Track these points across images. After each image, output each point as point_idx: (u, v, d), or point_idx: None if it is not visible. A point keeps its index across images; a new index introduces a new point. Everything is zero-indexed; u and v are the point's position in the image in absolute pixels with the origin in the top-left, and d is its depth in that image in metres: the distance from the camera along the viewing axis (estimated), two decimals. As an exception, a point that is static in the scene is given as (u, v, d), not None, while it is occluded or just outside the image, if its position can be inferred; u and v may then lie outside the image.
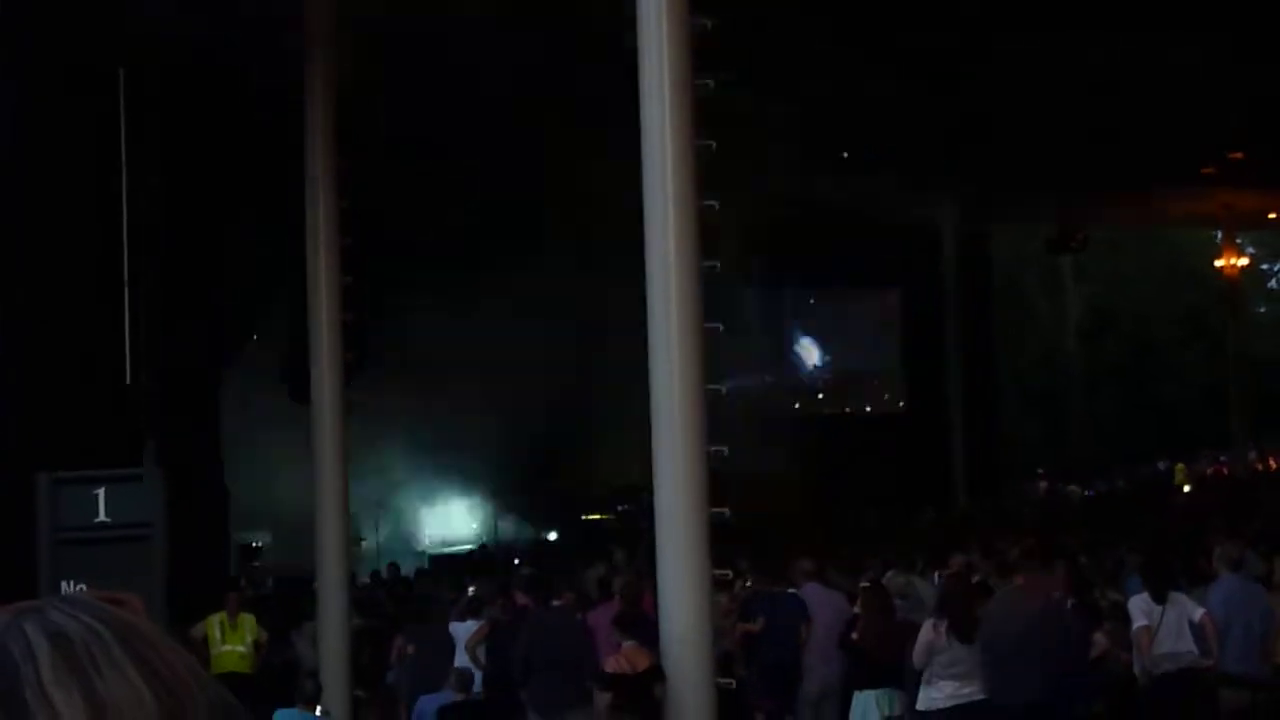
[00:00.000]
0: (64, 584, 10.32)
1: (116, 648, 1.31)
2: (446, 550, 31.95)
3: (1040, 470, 42.70)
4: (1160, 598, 12.85)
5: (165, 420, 21.78)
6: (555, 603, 15.06)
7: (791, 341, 38.47)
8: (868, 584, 15.13)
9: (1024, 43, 23.65)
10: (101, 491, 10.53)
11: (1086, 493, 39.75)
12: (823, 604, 15.39)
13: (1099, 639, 13.24)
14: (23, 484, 11.72)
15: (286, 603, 21.04)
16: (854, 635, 14.10)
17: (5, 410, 13.66)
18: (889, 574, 17.66)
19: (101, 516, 10.47)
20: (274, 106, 20.80)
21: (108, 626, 1.33)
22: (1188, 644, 12.68)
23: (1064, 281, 49.37)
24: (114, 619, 1.35)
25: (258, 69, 22.50)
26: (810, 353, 38.96)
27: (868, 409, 39.42)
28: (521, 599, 16.17)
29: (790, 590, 16.01)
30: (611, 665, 12.05)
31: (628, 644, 12.20)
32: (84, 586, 10.27)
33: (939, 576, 17.13)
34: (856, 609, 14.55)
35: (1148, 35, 23.54)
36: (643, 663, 11.77)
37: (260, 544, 28.28)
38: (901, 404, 39.21)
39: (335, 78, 17.78)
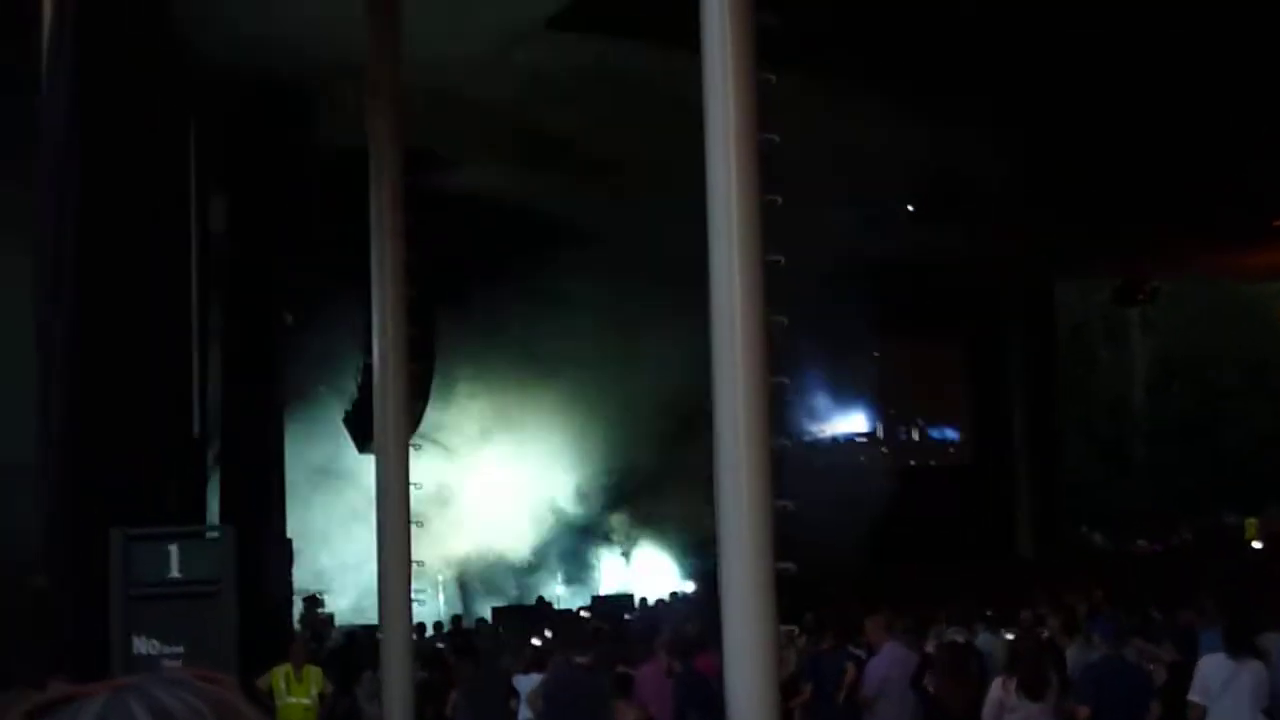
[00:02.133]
0: (136, 639, 10.38)
1: None
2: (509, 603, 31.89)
3: (1105, 522, 42.36)
4: (1238, 657, 12.65)
5: (231, 473, 21.93)
6: (622, 668, 14.96)
7: (855, 395, 38.32)
8: (945, 642, 15.00)
9: (1092, 95, 23.58)
10: (174, 548, 10.59)
11: (1154, 546, 39.38)
12: (903, 665, 15.21)
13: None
14: (92, 539, 11.78)
15: (350, 655, 21.07)
16: (927, 688, 13.98)
17: (75, 465, 13.72)
18: (950, 631, 17.56)
19: (174, 573, 10.53)
20: (340, 157, 20.95)
21: (211, 707, 1.33)
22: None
23: (1130, 331, 49.08)
24: (216, 700, 1.35)
25: (324, 119, 22.70)
26: (873, 406, 38.83)
27: (932, 462, 39.23)
28: (585, 661, 16.16)
29: (847, 647, 15.90)
30: None
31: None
32: (156, 642, 10.33)
33: (1004, 632, 16.99)
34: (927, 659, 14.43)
35: (1216, 88, 23.45)
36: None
37: (324, 595, 28.30)
38: (968, 458, 39.00)
39: (400, 128, 17.85)
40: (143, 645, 10.53)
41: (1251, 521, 39.71)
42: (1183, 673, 14.35)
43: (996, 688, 12.38)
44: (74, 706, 1.34)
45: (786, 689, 15.00)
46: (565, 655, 15.34)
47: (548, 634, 21.85)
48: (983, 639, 17.27)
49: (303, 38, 21.34)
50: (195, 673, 1.43)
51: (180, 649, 10.35)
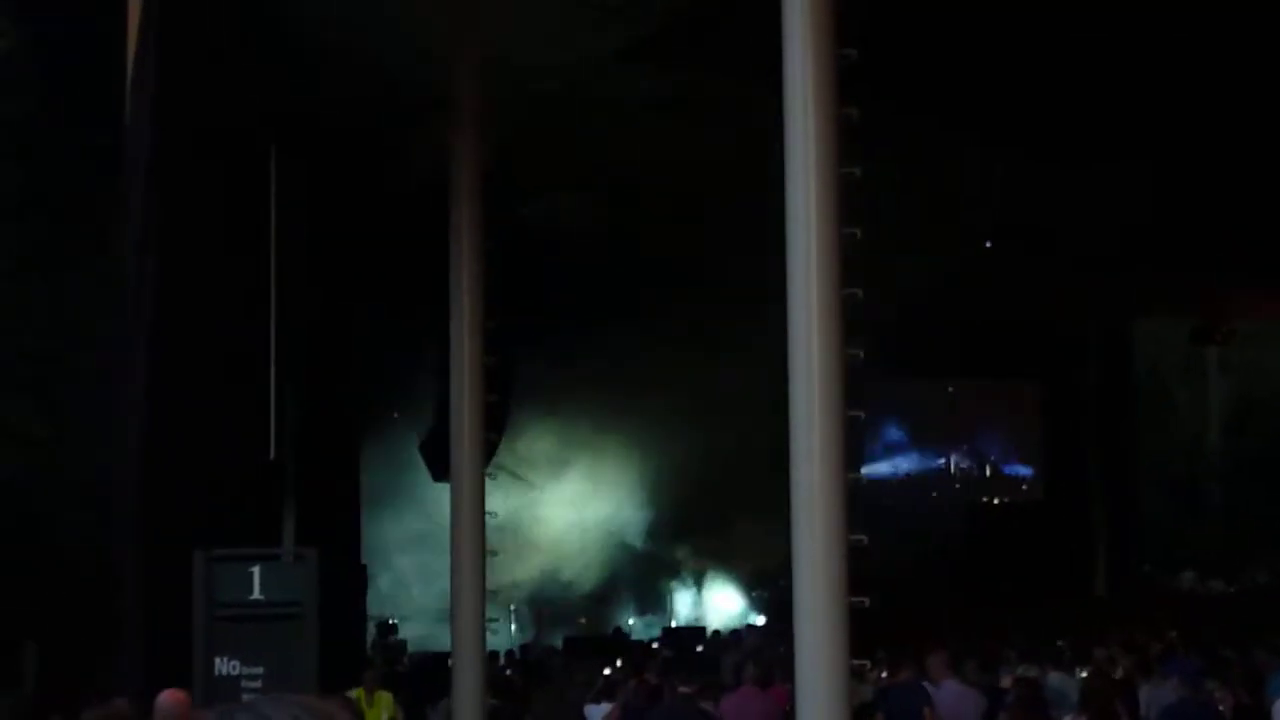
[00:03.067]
0: (218, 660, 10.48)
1: None
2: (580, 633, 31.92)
3: (1179, 563, 42.04)
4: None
5: (306, 498, 22.06)
6: (683, 689, 15.00)
7: (930, 432, 38.19)
8: (1021, 677, 14.93)
9: (1175, 134, 23.50)
10: (256, 570, 10.68)
11: (1230, 587, 39.06)
12: (958, 702, 15.17)
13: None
14: (173, 561, 11.90)
15: (422, 681, 21.15)
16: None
17: (157, 487, 13.87)
18: (1021, 668, 17.47)
19: (255, 594, 10.63)
20: (422, 188, 21.10)
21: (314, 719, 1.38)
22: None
23: (1207, 372, 48.72)
24: (325, 715, 1.40)
25: (404, 147, 22.86)
26: (958, 444, 38.68)
27: (1005, 499, 39.03)
28: (654, 681, 16.18)
29: (921, 681, 15.84)
30: None
31: None
32: (237, 663, 10.42)
33: (1078, 670, 16.89)
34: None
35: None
36: None
37: (396, 621, 28.43)
38: (1041, 494, 38.78)
39: (481, 161, 18.01)
40: (224, 666, 10.63)
41: (1326, 565, 39.33)
42: (1251, 715, 14.25)
43: (1068, 726, 12.35)
44: None
45: (858, 718, 14.97)
46: (670, 685, 15.28)
47: (618, 663, 21.86)
48: (1053, 678, 17.16)
49: (388, 67, 21.52)
50: (304, 701, 1.48)
51: (260, 670, 10.45)
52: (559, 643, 29.58)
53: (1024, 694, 14.14)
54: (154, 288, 14.33)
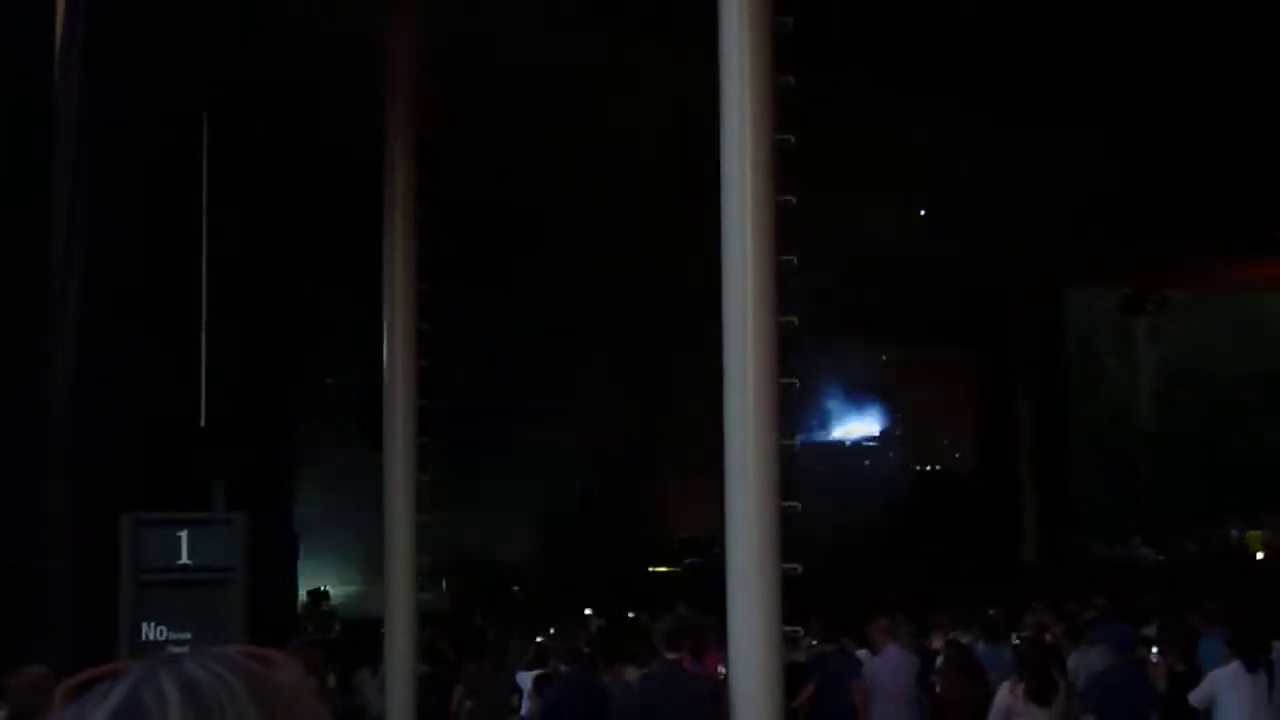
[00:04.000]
0: (145, 625, 10.40)
1: (245, 698, 1.33)
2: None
3: (1109, 531, 42.39)
4: (1254, 667, 12.66)
5: (237, 464, 21.93)
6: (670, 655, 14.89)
7: (863, 398, 38.33)
8: (954, 641, 15.01)
9: (1104, 102, 23.60)
10: (184, 534, 10.60)
11: (1159, 556, 39.40)
12: (899, 667, 15.23)
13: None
14: (102, 526, 11.81)
15: (352, 647, 21.08)
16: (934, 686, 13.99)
17: (85, 451, 13.75)
18: (953, 634, 17.56)
19: (184, 559, 10.55)
20: (354, 153, 20.96)
21: (240, 678, 1.35)
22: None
23: (1137, 341, 49.08)
24: (248, 672, 1.36)
25: (339, 116, 22.72)
26: (890, 411, 38.88)
27: (937, 466, 39.25)
28: (585, 650, 16.17)
29: (855, 651, 15.90)
30: None
31: None
32: (165, 628, 10.35)
33: (1014, 637, 16.98)
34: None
35: (1229, 97, 23.48)
36: None
37: (328, 588, 28.35)
38: (974, 462, 39.02)
39: (415, 129, 17.89)
40: (151, 631, 10.55)
41: (1254, 534, 39.71)
42: (1184, 680, 14.35)
43: (1004, 692, 12.41)
44: (108, 684, 1.36)
45: (790, 684, 15.00)
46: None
47: (551, 631, 21.85)
48: (981, 649, 17.23)
49: (321, 34, 21.37)
50: (245, 650, 1.45)
51: (188, 635, 10.38)
52: (490, 611, 29.54)
53: (955, 656, 14.22)
54: (83, 253, 14.19)
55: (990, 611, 20.17)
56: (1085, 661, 15.27)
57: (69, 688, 1.39)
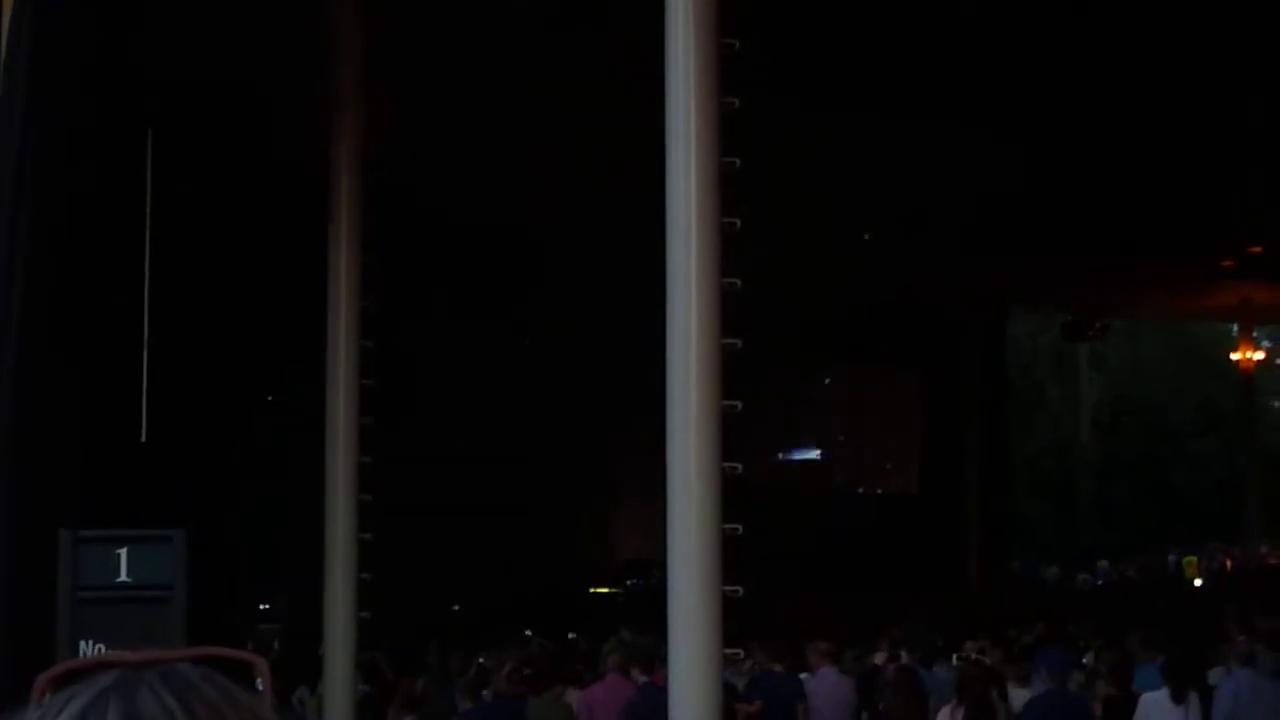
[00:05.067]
0: (83, 643, 10.30)
1: None
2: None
3: (1049, 557, 42.58)
4: (1180, 697, 12.73)
5: (177, 480, 21.82)
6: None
7: (806, 422, 38.40)
8: (899, 665, 15.05)
9: (1047, 129, 23.74)
10: (124, 551, 10.52)
11: (1098, 581, 39.61)
12: (834, 689, 15.28)
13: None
14: (40, 541, 11.70)
15: (292, 666, 20.96)
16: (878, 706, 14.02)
17: (24, 465, 13.64)
18: (901, 656, 17.60)
19: (123, 576, 10.46)
20: (299, 165, 20.89)
21: (190, 715, 1.33)
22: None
23: (1079, 368, 49.37)
24: (204, 706, 1.34)
25: (284, 126, 22.65)
26: (830, 433, 38.96)
27: (879, 490, 39.35)
28: (527, 671, 16.17)
29: (795, 672, 15.91)
30: None
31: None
32: (103, 647, 10.25)
33: (955, 660, 17.03)
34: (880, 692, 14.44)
35: (1171, 126, 23.64)
36: None
37: (269, 606, 28.18)
38: (915, 486, 39.13)
39: (361, 140, 17.86)
40: (89, 649, 10.46)
41: (1191, 560, 39.98)
42: (1119, 707, 14.43)
43: (944, 716, 12.44)
44: (69, 692, 1.35)
45: (731, 694, 14.99)
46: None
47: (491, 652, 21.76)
48: (937, 670, 17.26)
49: (264, 45, 21.30)
50: (222, 654, 1.43)
51: (127, 654, 10.29)
52: (434, 631, 29.41)
53: (902, 680, 14.26)
54: (25, 263, 14.08)
55: (937, 641, 20.25)
56: (1024, 687, 15.32)
57: (49, 678, 1.38)
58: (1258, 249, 30.49)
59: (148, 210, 18.56)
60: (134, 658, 1.38)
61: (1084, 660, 17.91)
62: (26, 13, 14.22)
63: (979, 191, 26.48)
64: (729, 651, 12.22)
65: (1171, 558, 41.36)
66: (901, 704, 13.90)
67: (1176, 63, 21.73)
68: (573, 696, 15.57)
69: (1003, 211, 27.21)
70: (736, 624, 12.37)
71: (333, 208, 17.55)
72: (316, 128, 18.86)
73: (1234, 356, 40.73)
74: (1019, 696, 14.81)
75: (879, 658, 18.06)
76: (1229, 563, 40.04)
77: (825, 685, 15.28)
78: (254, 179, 22.82)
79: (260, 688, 1.44)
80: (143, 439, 17.62)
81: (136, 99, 16.45)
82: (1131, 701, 14.32)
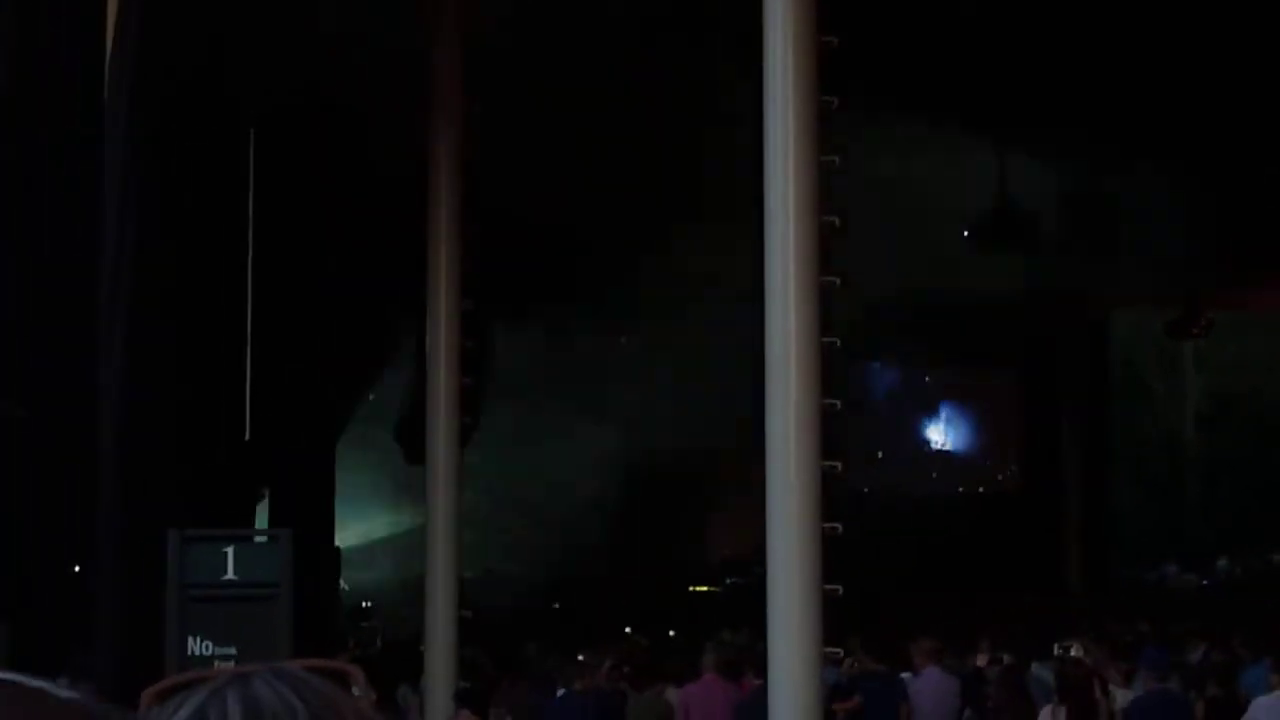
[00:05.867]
0: (190, 640, 10.47)
1: None
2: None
3: (1153, 556, 42.13)
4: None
5: (281, 480, 22.04)
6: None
7: (906, 420, 38.22)
8: (1005, 664, 14.96)
9: (1152, 126, 23.53)
10: (230, 550, 10.68)
11: (1203, 581, 39.14)
12: (938, 689, 15.18)
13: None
14: (148, 541, 11.88)
15: (394, 664, 21.13)
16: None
17: (134, 468, 13.84)
18: (999, 656, 17.49)
19: (230, 575, 10.62)
20: (399, 169, 21.04)
21: (304, 702, 1.37)
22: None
23: (1183, 364, 48.81)
24: (314, 694, 1.39)
25: (384, 128, 22.83)
26: (931, 432, 38.76)
27: (980, 489, 39.10)
28: (627, 670, 16.24)
29: (903, 672, 15.84)
30: None
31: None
32: (210, 643, 10.42)
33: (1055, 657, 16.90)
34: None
35: (1274, 114, 23.37)
36: None
37: (369, 604, 28.40)
38: (1015, 485, 38.85)
39: (460, 144, 17.97)
40: (196, 646, 10.63)
41: (1298, 558, 39.41)
42: (1224, 708, 14.28)
43: (1045, 716, 12.38)
44: (182, 696, 1.39)
45: (834, 695, 14.93)
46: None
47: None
48: (1036, 668, 17.15)
49: (368, 50, 21.48)
50: (319, 664, 1.47)
51: (233, 650, 10.45)
52: (535, 626, 29.52)
53: (1008, 679, 14.20)
54: (131, 268, 14.29)
55: (1031, 635, 20.10)
56: (1128, 687, 15.20)
57: (154, 692, 1.42)
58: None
59: (250, 209, 18.79)
60: (236, 670, 1.42)
61: (1188, 659, 17.73)
62: (131, 24, 14.42)
63: (1085, 190, 26.31)
64: (829, 650, 12.20)
65: (1277, 557, 40.78)
66: (1010, 704, 13.86)
67: (1274, 49, 21.49)
68: (671, 695, 15.58)
69: (1108, 208, 27.01)
70: (836, 623, 12.37)
71: (432, 211, 17.67)
72: (415, 130, 19.01)
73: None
74: (1121, 696, 14.70)
75: (980, 659, 17.94)
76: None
77: (929, 685, 15.17)
78: (354, 180, 23.00)
79: (358, 693, 1.48)
80: (247, 438, 17.83)
81: (238, 103, 16.66)
82: (1236, 702, 14.17)
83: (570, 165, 25.30)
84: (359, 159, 23.21)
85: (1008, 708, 13.94)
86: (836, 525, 11.78)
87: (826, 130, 11.89)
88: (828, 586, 11.58)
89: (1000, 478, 39.03)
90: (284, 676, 1.40)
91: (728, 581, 33.66)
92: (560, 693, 16.05)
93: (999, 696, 14.13)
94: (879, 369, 35.77)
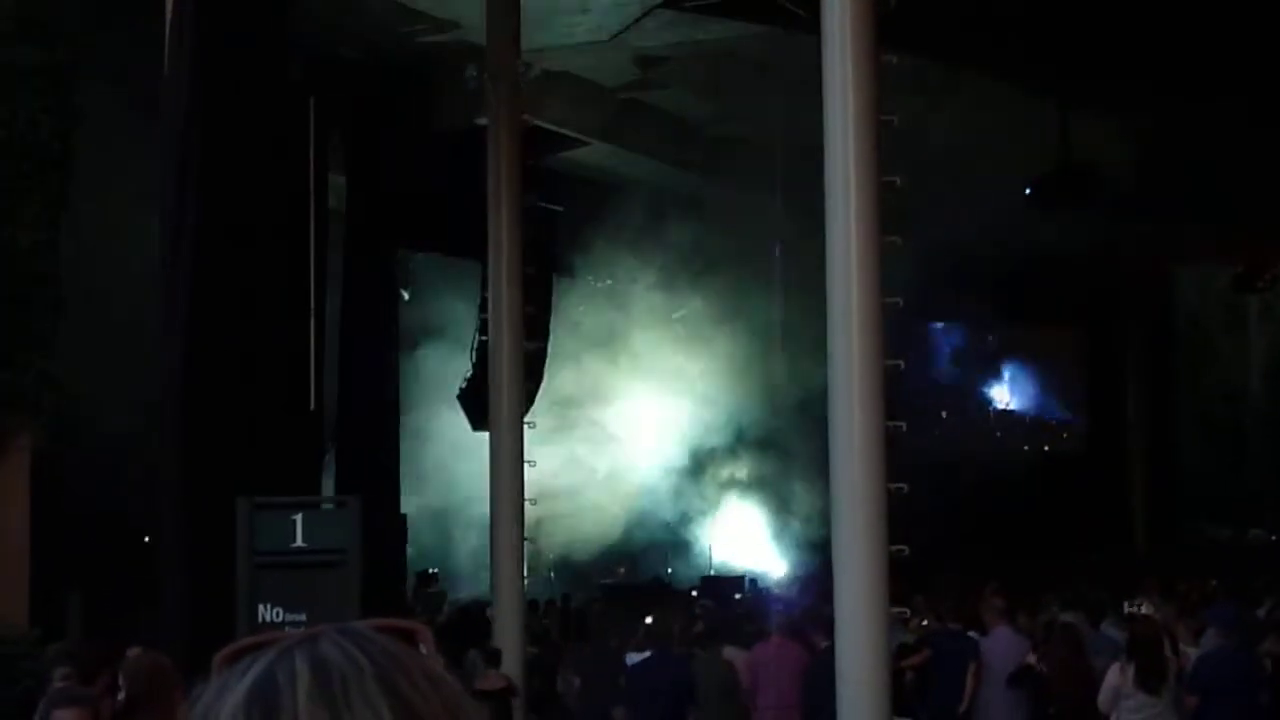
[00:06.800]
0: (260, 607, 10.56)
1: (372, 682, 1.36)
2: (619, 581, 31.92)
3: (1221, 512, 41.89)
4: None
5: (346, 447, 22.17)
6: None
7: (972, 380, 38.09)
8: (1062, 622, 14.93)
9: (1214, 81, 23.33)
10: (299, 518, 10.74)
11: (1271, 536, 38.92)
12: (1009, 648, 15.15)
13: None
14: (215, 510, 11.97)
15: (462, 630, 21.22)
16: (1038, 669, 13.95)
17: (199, 437, 13.93)
18: (1064, 615, 17.45)
19: (298, 542, 10.68)
20: (461, 136, 21.08)
21: (371, 660, 1.38)
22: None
23: (1248, 319, 48.43)
24: (381, 652, 1.40)
25: (445, 97, 22.88)
26: (998, 392, 38.62)
27: (1046, 448, 38.94)
28: (700, 630, 16.29)
29: (967, 631, 15.82)
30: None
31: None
32: (280, 610, 10.50)
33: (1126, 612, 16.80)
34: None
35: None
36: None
37: (436, 571, 28.50)
38: (1081, 443, 38.68)
39: (518, 108, 17.97)
40: (267, 613, 10.72)
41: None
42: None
43: (1114, 673, 12.34)
44: (252, 657, 1.41)
45: (902, 652, 14.94)
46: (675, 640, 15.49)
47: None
48: (1105, 627, 17.09)
49: (423, 16, 21.52)
50: (388, 624, 1.48)
51: (303, 617, 10.53)
52: (598, 592, 29.63)
53: (1064, 635, 14.18)
54: (193, 236, 14.36)
55: (1101, 595, 20.02)
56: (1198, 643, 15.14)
57: (229, 653, 1.44)
58: None
59: (311, 178, 18.84)
60: (304, 633, 1.43)
61: (1258, 615, 17.64)
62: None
63: (1148, 145, 26.12)
64: (896, 610, 12.18)
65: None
66: (1066, 659, 13.85)
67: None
68: (740, 656, 15.62)
69: (1170, 164, 26.81)
70: (904, 583, 12.34)
71: (492, 178, 17.67)
72: (473, 99, 19.04)
73: None
74: (1191, 654, 14.65)
75: (1051, 617, 17.88)
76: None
77: (1000, 644, 15.15)
78: (416, 148, 23.07)
79: (425, 651, 1.50)
80: (311, 408, 17.92)
81: (299, 66, 16.70)
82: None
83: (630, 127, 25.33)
84: (423, 120, 23.29)
85: (1065, 666, 13.91)
86: (902, 485, 11.74)
87: (886, 89, 11.83)
88: (894, 547, 11.55)
89: (1065, 436, 38.85)
90: (350, 635, 1.41)
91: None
92: (632, 657, 16.13)
93: (1055, 655, 14.09)
94: (942, 329, 35.62)
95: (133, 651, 9.54)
